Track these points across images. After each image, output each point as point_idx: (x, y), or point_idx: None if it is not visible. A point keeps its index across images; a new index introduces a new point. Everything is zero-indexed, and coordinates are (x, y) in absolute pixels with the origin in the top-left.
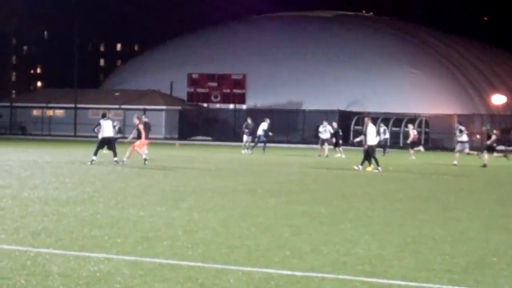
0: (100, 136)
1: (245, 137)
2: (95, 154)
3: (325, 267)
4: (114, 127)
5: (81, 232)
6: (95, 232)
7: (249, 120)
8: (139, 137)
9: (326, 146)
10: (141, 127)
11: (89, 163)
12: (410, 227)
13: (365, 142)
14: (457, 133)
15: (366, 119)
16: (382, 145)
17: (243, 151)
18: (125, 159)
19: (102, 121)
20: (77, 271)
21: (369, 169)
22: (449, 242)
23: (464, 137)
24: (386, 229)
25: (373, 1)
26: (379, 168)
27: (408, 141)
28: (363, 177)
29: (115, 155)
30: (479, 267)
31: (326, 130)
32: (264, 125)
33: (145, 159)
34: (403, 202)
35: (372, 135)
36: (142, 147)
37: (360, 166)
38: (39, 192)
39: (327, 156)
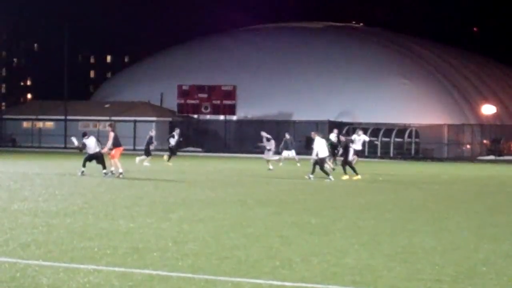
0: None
1: (286, 152)
2: (84, 165)
3: (315, 278)
4: (98, 141)
5: (70, 244)
6: (85, 244)
7: (287, 135)
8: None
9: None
10: (111, 135)
11: (79, 174)
12: (400, 237)
13: (316, 155)
14: None
15: (313, 133)
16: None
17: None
18: (120, 170)
19: (85, 141)
20: (66, 282)
21: (344, 177)
22: (439, 252)
23: None
24: (376, 239)
25: (363, 12)
26: (312, 176)
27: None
28: (353, 187)
29: (104, 168)
30: (468, 276)
31: (360, 140)
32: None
33: (120, 173)
34: (393, 212)
35: (321, 148)
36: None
37: (311, 176)
38: (29, 204)
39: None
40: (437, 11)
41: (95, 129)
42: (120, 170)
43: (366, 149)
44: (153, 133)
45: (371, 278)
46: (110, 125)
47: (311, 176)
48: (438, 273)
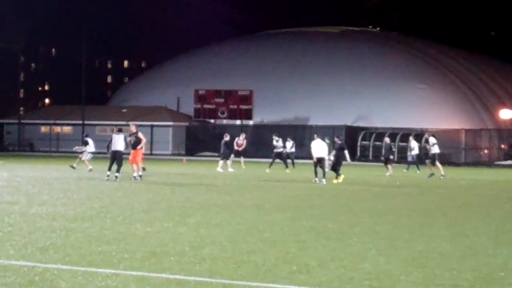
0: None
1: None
2: (109, 169)
3: (332, 282)
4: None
5: (88, 248)
6: (103, 248)
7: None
8: (134, 147)
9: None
10: (141, 135)
11: (105, 178)
12: (417, 242)
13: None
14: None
15: (315, 135)
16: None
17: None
18: (140, 173)
19: (114, 135)
20: (84, 286)
21: (334, 181)
22: (457, 257)
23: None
24: (393, 244)
25: (380, 17)
26: (317, 179)
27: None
28: (370, 192)
29: (118, 170)
30: (487, 282)
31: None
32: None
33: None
34: (410, 217)
35: (318, 149)
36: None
37: (316, 179)
38: (47, 208)
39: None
40: (454, 16)
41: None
42: (135, 174)
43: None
44: (227, 137)
45: (389, 283)
46: (136, 127)
47: (317, 179)
48: (456, 278)
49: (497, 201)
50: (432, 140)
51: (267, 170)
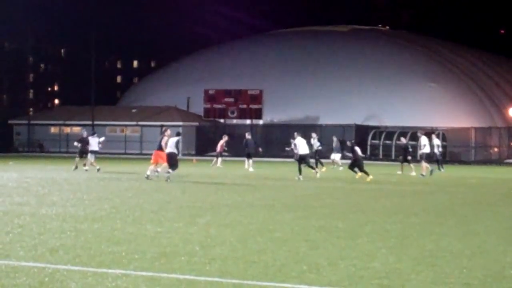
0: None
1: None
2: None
3: (342, 282)
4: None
5: (98, 249)
6: (113, 249)
7: (403, 140)
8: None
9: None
10: (165, 139)
11: (168, 180)
12: (427, 240)
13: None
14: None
15: (295, 133)
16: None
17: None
18: (148, 173)
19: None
20: (95, 287)
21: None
22: (467, 255)
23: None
24: (403, 242)
25: (389, 15)
26: (301, 176)
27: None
28: (380, 191)
29: (171, 169)
30: (497, 280)
31: (426, 145)
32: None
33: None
34: (420, 215)
35: (302, 147)
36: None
37: (300, 177)
38: (57, 209)
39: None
40: (464, 14)
41: (122, 134)
42: (148, 173)
43: (393, 152)
44: (249, 136)
45: (399, 282)
46: (165, 130)
47: (301, 177)
48: (466, 276)
49: (507, 199)
50: (423, 140)
51: (322, 170)
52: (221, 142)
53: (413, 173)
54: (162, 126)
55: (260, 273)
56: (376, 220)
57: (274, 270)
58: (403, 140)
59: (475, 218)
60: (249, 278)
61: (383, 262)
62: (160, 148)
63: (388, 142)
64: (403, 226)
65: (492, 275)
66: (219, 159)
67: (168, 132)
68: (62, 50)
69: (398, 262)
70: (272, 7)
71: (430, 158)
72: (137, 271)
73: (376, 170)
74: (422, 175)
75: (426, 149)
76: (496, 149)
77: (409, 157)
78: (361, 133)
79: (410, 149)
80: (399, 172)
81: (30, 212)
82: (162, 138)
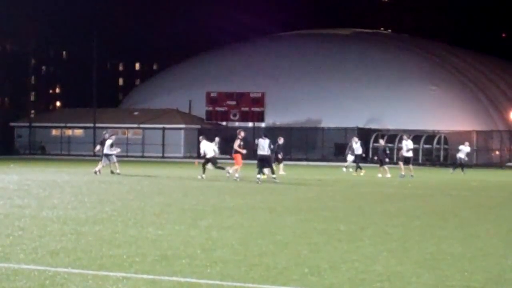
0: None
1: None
2: (259, 173)
3: (343, 285)
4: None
5: (99, 251)
6: (114, 251)
7: (381, 142)
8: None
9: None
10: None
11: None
12: (428, 243)
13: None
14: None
15: (200, 137)
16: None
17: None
18: (237, 175)
19: (260, 140)
20: None
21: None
22: (468, 258)
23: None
24: (404, 245)
25: (391, 19)
26: (258, 177)
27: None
28: (382, 194)
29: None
30: (498, 283)
31: (411, 150)
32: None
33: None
34: (422, 218)
35: (208, 150)
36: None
37: (259, 176)
38: (58, 212)
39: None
40: (465, 17)
41: (124, 137)
42: (237, 175)
43: (395, 156)
44: (281, 141)
45: (400, 285)
46: (239, 133)
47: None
48: (467, 279)
49: (509, 202)
50: (409, 144)
51: (361, 173)
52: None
53: (388, 175)
54: (164, 128)
55: (261, 276)
56: (378, 223)
57: (276, 273)
58: (382, 143)
59: (476, 221)
60: (251, 281)
61: (384, 265)
62: (236, 151)
63: (390, 145)
64: (404, 229)
65: (493, 278)
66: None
67: (242, 134)
68: (64, 52)
69: (399, 265)
70: (274, 10)
71: (409, 162)
72: (138, 274)
73: (377, 173)
74: (402, 175)
75: (410, 153)
76: (497, 153)
77: (387, 159)
78: (363, 136)
79: (388, 152)
80: (380, 175)
81: (30, 215)
82: (236, 140)
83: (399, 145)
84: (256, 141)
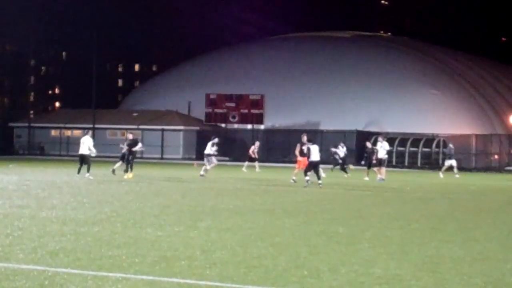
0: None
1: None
2: (306, 174)
3: (342, 287)
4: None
5: (99, 252)
6: (113, 252)
7: (368, 144)
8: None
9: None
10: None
11: (291, 181)
12: (428, 247)
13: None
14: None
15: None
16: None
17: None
18: (307, 178)
19: (310, 146)
20: None
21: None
22: (467, 262)
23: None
24: (404, 248)
25: (391, 22)
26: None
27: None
28: (381, 197)
29: (318, 178)
30: (497, 287)
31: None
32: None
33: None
34: (421, 222)
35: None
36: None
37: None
38: (57, 212)
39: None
40: (465, 21)
41: (123, 138)
42: (307, 178)
43: (394, 159)
44: (344, 148)
45: (399, 287)
46: (302, 137)
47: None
48: (466, 283)
49: (508, 206)
50: (384, 145)
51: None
52: (252, 148)
53: (367, 178)
54: (163, 130)
55: (260, 278)
56: (377, 226)
57: (275, 275)
58: (369, 145)
59: (476, 225)
60: (250, 283)
61: (383, 268)
62: (303, 155)
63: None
64: (403, 232)
65: (492, 281)
66: (256, 163)
67: (305, 139)
68: (63, 53)
69: (398, 268)
70: (274, 12)
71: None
72: (138, 275)
73: (376, 175)
74: (383, 179)
75: (385, 155)
76: (496, 156)
77: (374, 161)
78: (362, 139)
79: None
80: (366, 178)
81: (30, 215)
82: (301, 145)
83: (373, 147)
84: (304, 147)
